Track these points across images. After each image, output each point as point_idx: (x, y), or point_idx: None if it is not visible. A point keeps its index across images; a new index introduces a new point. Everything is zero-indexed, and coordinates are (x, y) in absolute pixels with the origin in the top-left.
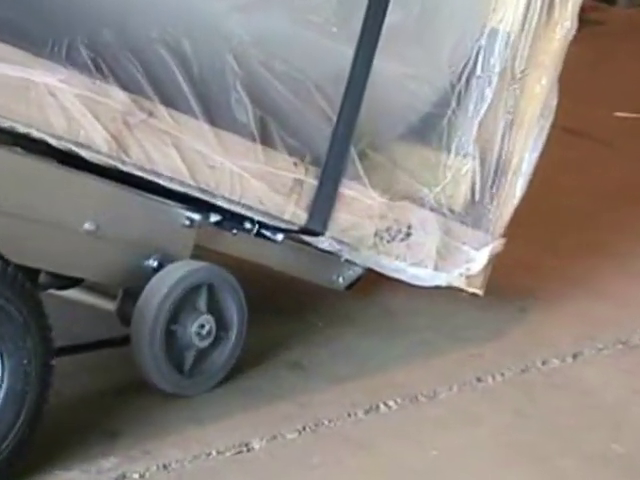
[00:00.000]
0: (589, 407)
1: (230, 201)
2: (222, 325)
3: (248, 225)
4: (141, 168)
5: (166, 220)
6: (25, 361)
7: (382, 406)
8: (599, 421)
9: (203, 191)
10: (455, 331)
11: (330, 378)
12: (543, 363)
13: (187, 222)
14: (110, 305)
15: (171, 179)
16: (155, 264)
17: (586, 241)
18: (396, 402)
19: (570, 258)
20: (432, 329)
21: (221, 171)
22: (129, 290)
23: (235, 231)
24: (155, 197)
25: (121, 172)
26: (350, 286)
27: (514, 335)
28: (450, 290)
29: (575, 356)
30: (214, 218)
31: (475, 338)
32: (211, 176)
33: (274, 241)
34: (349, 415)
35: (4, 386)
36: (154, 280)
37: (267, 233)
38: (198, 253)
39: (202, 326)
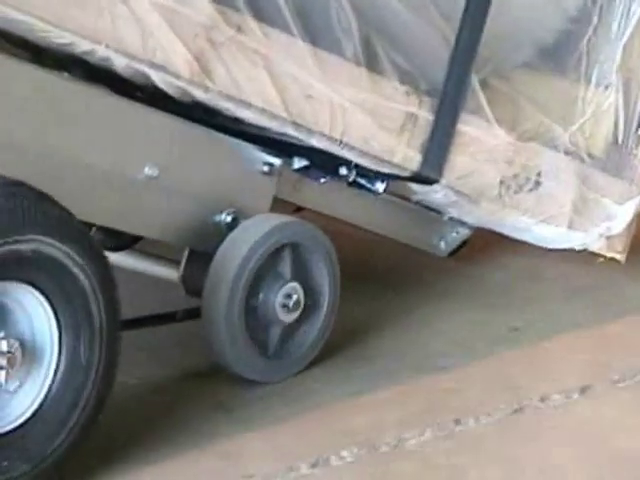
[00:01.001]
0: (602, 457)
1: (329, 139)
2: (312, 295)
3: (343, 171)
4: (227, 96)
5: (241, 165)
6: (89, 334)
7: (333, 458)
8: (616, 475)
9: (298, 126)
10: (428, 358)
11: (265, 422)
12: (541, 399)
13: (266, 168)
14: (170, 272)
15: (262, 111)
16: (228, 219)
17: None
18: (351, 452)
19: (575, 263)
20: (398, 356)
21: (320, 102)
22: (196, 252)
23: (323, 180)
24: (228, 137)
25: (184, 106)
26: (454, 252)
27: (504, 363)
28: (425, 296)
29: (583, 390)
30: (299, 163)
31: (453, 367)
32: (308, 107)
33: (373, 192)
34: (290, 469)
35: (63, 363)
36: (230, 239)
37: (365, 182)
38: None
39: (289, 296)
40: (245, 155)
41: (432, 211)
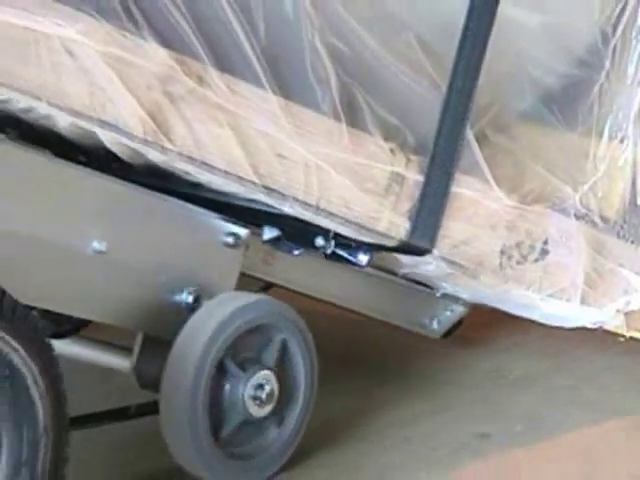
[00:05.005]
0: None
1: (303, 205)
2: (285, 386)
3: (320, 242)
4: (187, 158)
5: (202, 237)
6: (33, 434)
7: None
8: None
9: (269, 191)
10: (386, 469)
11: None
12: None
13: (231, 239)
14: (122, 361)
15: (227, 174)
16: (189, 299)
17: None
18: None
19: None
20: (355, 464)
21: (293, 162)
22: (152, 338)
23: (297, 252)
24: (186, 205)
25: (135, 171)
26: (448, 333)
27: (470, 474)
28: (410, 391)
29: None
30: (269, 234)
31: None
32: (280, 169)
33: (356, 265)
34: None
35: (3, 470)
36: (191, 323)
37: (345, 254)
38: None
39: (261, 387)
40: (206, 225)
41: (422, 286)
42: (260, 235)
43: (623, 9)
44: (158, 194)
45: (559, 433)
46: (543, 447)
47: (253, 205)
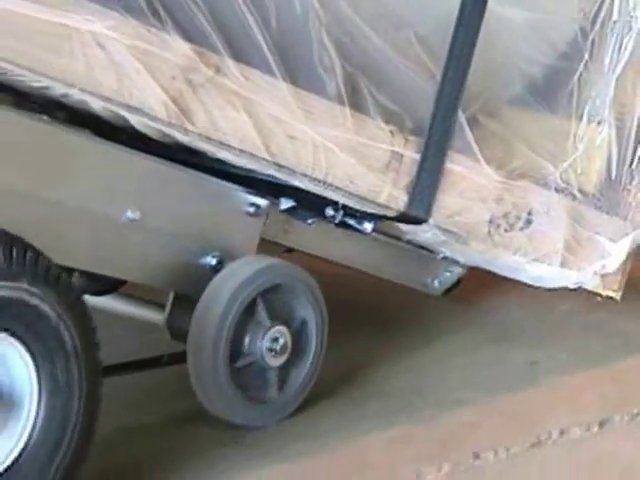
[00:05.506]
0: None
1: (312, 180)
2: (299, 337)
3: (330, 212)
4: (207, 139)
5: (226, 207)
6: (68, 383)
7: None
8: None
9: (280, 167)
10: (445, 393)
11: (283, 457)
12: (561, 433)
13: (252, 209)
14: (156, 315)
15: (241, 152)
16: (214, 262)
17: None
18: None
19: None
20: (413, 390)
21: (303, 142)
22: (182, 296)
23: (311, 220)
24: (212, 178)
25: (166, 148)
26: (448, 291)
27: (522, 397)
28: (431, 336)
29: (602, 424)
30: (286, 204)
31: (470, 401)
32: (290, 148)
33: (361, 232)
34: None
35: (41, 416)
36: (214, 283)
37: (352, 222)
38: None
39: (275, 340)
40: (230, 196)
41: (425, 250)
42: (278, 206)
43: (600, 6)
44: (187, 169)
45: (599, 361)
46: (585, 374)
47: (271, 179)
